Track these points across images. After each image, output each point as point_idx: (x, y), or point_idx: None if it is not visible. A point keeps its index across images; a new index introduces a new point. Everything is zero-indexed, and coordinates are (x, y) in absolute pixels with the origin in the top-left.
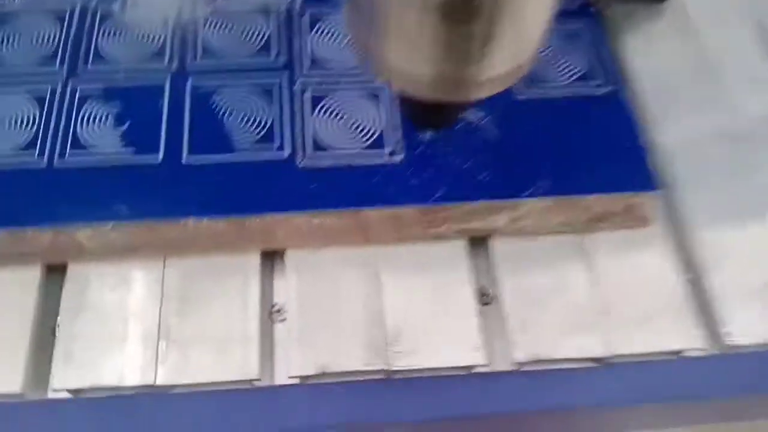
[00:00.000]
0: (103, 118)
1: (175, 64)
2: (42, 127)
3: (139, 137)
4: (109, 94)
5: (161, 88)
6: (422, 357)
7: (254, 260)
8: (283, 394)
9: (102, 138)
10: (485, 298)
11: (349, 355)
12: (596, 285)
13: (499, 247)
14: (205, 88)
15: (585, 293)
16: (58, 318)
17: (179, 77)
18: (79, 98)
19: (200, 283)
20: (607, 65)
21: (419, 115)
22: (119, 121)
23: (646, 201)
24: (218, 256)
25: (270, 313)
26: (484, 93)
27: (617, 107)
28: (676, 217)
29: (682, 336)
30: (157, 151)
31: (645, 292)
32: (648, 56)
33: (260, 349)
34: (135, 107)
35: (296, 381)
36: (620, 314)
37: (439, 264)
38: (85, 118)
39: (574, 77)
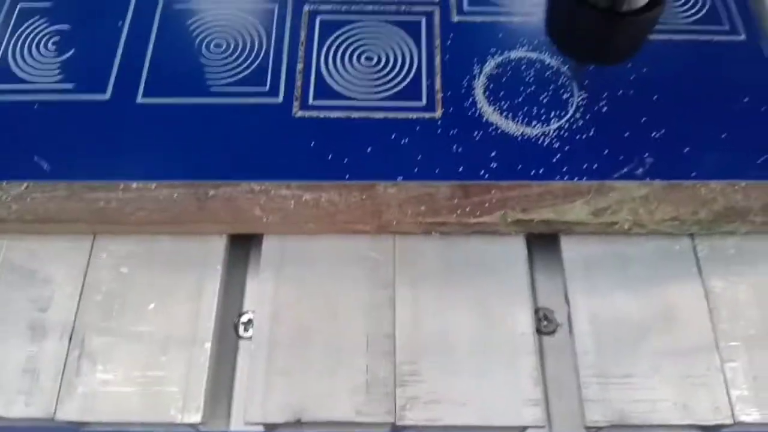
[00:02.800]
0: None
1: None
2: None
3: (84, 66)
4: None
5: (125, 5)
6: (447, 408)
7: (218, 247)
8: None
9: (39, 67)
10: (545, 326)
11: (338, 399)
12: (718, 317)
13: (572, 251)
14: (180, 7)
15: (700, 328)
16: None
17: None
18: (18, 14)
19: (137, 274)
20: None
21: (593, 32)
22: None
23: None
24: (168, 237)
25: (235, 325)
26: None
27: (755, 59)
28: None
29: None
30: (105, 85)
31: None
32: None
33: (211, 378)
34: (85, 27)
35: (258, 430)
36: (752, 362)
37: (480, 270)
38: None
39: (694, 17)
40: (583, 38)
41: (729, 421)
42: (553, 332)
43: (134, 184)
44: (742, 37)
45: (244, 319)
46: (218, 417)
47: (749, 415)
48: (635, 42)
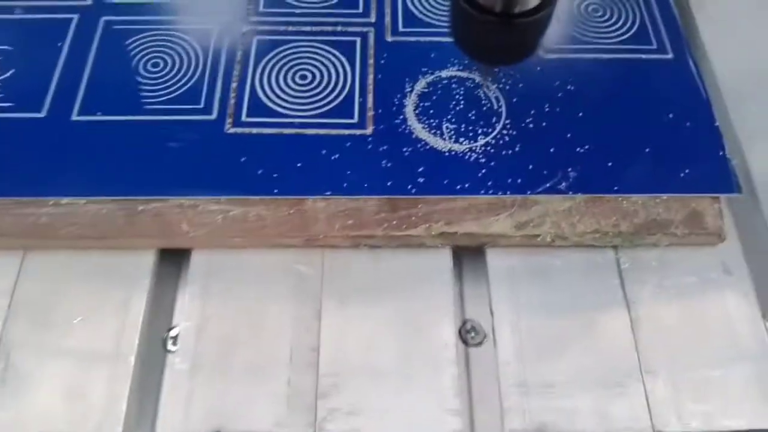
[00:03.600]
0: None
1: None
2: None
3: (23, 85)
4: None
5: (65, 26)
6: (368, 419)
7: (146, 262)
8: None
9: None
10: (473, 337)
11: (259, 410)
12: (639, 328)
13: (498, 262)
14: (120, 27)
15: (621, 339)
16: None
17: (92, 11)
18: None
19: (66, 289)
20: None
21: (490, 34)
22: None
23: (719, 207)
24: (98, 252)
25: (163, 340)
26: None
27: (681, 77)
28: (760, 232)
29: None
30: (41, 103)
31: (710, 343)
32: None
33: (134, 392)
34: (26, 48)
35: None
36: (672, 373)
37: (407, 282)
38: None
39: (623, 36)
40: (481, 42)
41: (648, 430)
42: (480, 344)
43: (64, 200)
44: (670, 55)
45: (173, 333)
46: (142, 430)
47: (668, 425)
48: (530, 42)
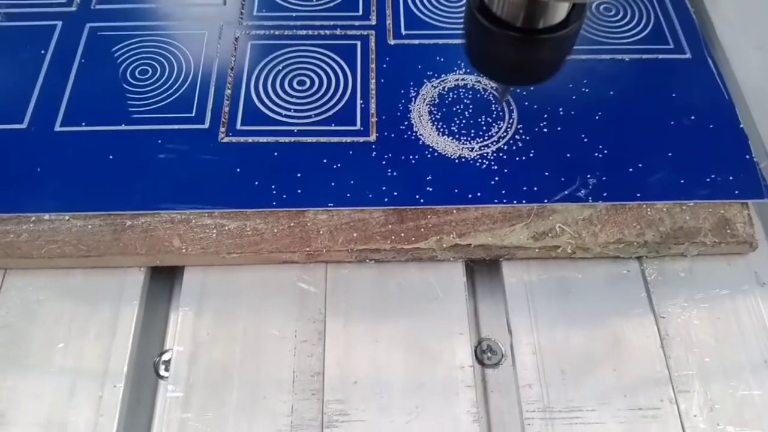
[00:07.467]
0: None
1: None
2: None
3: (3, 95)
4: None
5: (49, 33)
6: None
7: (135, 281)
8: None
9: None
10: (489, 357)
11: None
12: (670, 345)
13: (514, 276)
14: (106, 34)
15: (651, 357)
16: None
17: (77, 18)
18: None
19: (47, 312)
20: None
21: (511, 51)
22: None
23: (748, 214)
24: (82, 271)
25: (155, 365)
26: None
27: (701, 77)
28: None
29: None
30: (23, 114)
31: (748, 359)
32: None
33: (122, 424)
34: (7, 56)
35: None
36: (708, 393)
37: (417, 299)
38: None
39: (638, 36)
40: (501, 60)
41: None
42: (497, 364)
43: (47, 216)
44: (688, 55)
45: (165, 357)
46: None
47: None
48: (556, 60)
